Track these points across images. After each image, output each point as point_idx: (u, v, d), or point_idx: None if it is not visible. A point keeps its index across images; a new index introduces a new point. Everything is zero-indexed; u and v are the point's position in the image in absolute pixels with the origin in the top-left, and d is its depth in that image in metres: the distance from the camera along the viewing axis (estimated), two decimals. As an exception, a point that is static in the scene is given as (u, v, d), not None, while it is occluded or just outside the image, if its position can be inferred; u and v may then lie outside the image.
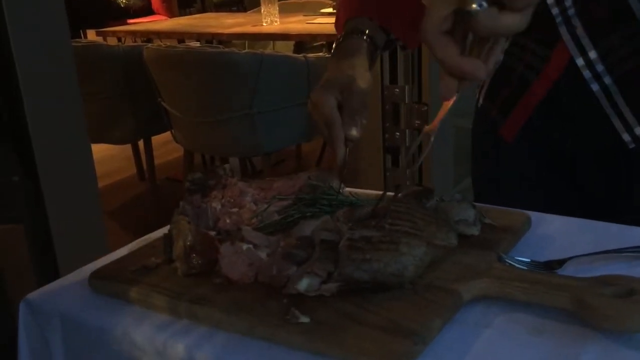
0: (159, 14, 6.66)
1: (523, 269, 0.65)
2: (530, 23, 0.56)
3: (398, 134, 2.22)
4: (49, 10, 1.62)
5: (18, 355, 0.72)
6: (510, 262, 0.66)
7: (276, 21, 3.48)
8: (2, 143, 1.60)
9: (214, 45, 3.36)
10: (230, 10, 6.23)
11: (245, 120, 2.64)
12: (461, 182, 2.40)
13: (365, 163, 2.31)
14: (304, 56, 2.76)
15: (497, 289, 0.61)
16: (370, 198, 0.80)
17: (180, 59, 2.68)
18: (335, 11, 1.00)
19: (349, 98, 0.81)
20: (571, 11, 0.82)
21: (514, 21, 0.55)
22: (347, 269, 0.61)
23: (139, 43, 3.63)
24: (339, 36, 0.91)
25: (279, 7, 3.54)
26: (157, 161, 3.38)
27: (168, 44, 3.27)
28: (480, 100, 1.01)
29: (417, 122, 2.18)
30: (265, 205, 0.75)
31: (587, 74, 0.83)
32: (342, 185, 0.81)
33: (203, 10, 6.61)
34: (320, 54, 3.10)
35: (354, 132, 0.80)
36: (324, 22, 3.34)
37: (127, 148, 3.57)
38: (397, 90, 2.19)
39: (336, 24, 0.96)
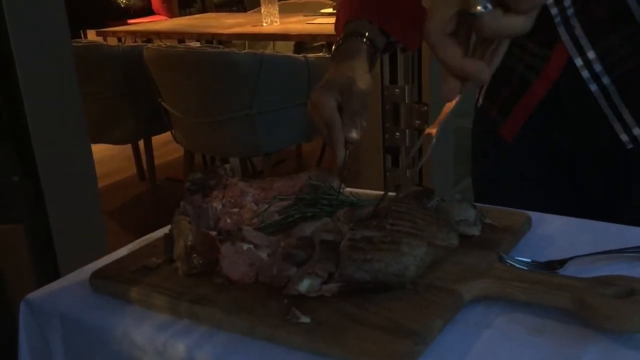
0: (159, 14, 6.66)
1: (524, 269, 0.65)
2: None
3: (398, 134, 2.22)
4: (49, 10, 1.62)
5: (18, 355, 0.72)
6: (510, 262, 0.66)
7: (276, 21, 3.48)
8: (2, 143, 1.60)
9: (214, 45, 3.36)
10: (231, 11, 6.23)
11: (245, 120, 2.64)
12: (461, 182, 2.39)
13: (366, 163, 2.31)
14: (304, 56, 2.76)
15: (498, 289, 0.61)
16: (371, 198, 0.80)
17: (180, 59, 2.68)
18: (335, 12, 1.00)
19: (349, 100, 0.81)
20: (570, 11, 0.82)
21: (519, 23, 0.55)
22: (348, 269, 0.61)
23: (139, 43, 3.63)
24: (338, 38, 0.91)
25: (279, 7, 3.54)
26: (157, 161, 3.38)
27: (168, 44, 3.27)
28: (480, 100, 1.01)
29: (417, 122, 2.18)
30: (266, 206, 0.75)
31: (585, 74, 0.83)
32: (343, 186, 0.81)
33: (203, 10, 6.62)
34: (321, 54, 3.10)
35: (354, 134, 0.80)
36: (324, 22, 3.35)
37: (127, 148, 3.57)
38: (397, 90, 2.19)
39: (336, 25, 0.96)
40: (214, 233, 0.71)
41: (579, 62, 0.83)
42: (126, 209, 3.37)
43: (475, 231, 0.71)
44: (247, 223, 0.74)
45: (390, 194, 0.71)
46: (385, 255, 0.61)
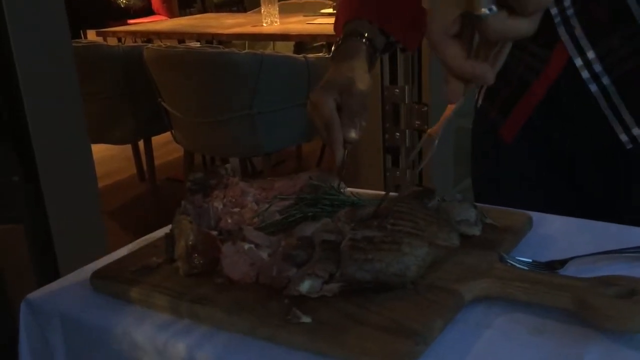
0: (159, 14, 6.66)
1: (524, 269, 0.65)
2: None
3: (398, 134, 2.22)
4: (49, 10, 1.62)
5: (19, 354, 0.72)
6: (511, 262, 0.66)
7: (276, 21, 3.49)
8: (2, 143, 1.60)
9: (214, 45, 3.36)
10: (231, 11, 6.23)
11: (245, 120, 2.64)
12: (461, 182, 2.40)
13: (366, 163, 2.31)
14: (304, 56, 2.76)
15: (499, 289, 0.61)
16: (372, 198, 0.80)
17: (180, 60, 2.68)
18: (335, 12, 1.00)
19: (348, 100, 0.81)
20: (570, 11, 0.82)
21: (523, 25, 0.55)
22: (349, 269, 0.61)
23: (139, 43, 3.63)
24: (338, 39, 0.91)
25: (279, 7, 3.54)
26: (157, 161, 3.38)
27: (168, 44, 3.27)
28: (480, 101, 1.01)
29: (417, 122, 2.18)
30: (267, 205, 0.75)
31: (585, 74, 0.83)
32: (344, 185, 0.81)
33: (203, 10, 6.61)
34: (321, 54, 3.10)
35: (353, 134, 0.80)
36: (324, 22, 3.34)
37: (127, 148, 3.57)
38: (397, 90, 2.19)
39: (335, 25, 0.96)
40: (215, 233, 0.71)
41: (578, 62, 0.83)
42: (126, 209, 3.37)
43: (476, 231, 0.71)
44: (248, 223, 0.74)
45: (392, 194, 0.71)
46: (386, 255, 0.61)
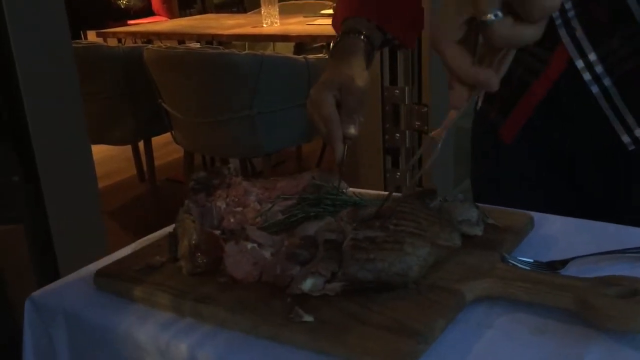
0: (159, 15, 6.66)
1: (526, 269, 0.65)
2: None
3: (398, 135, 2.22)
4: (49, 10, 1.62)
5: (23, 351, 0.72)
6: (513, 262, 0.66)
7: (276, 22, 3.49)
8: (2, 143, 1.60)
9: (214, 46, 3.36)
10: (231, 12, 6.23)
11: (245, 121, 2.65)
12: (461, 182, 2.40)
13: (366, 164, 2.31)
14: (304, 57, 2.76)
15: (500, 289, 0.61)
16: (374, 198, 0.80)
17: (180, 60, 2.68)
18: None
19: (347, 97, 0.83)
20: (571, 13, 0.82)
21: (529, 32, 0.55)
22: (351, 268, 0.61)
23: (139, 44, 3.63)
24: (336, 36, 0.92)
25: (279, 8, 3.55)
26: (157, 162, 3.38)
27: (168, 45, 3.27)
28: (480, 102, 1.02)
29: (417, 123, 2.18)
30: (270, 205, 0.76)
31: (586, 76, 0.84)
32: (346, 185, 0.82)
33: (203, 11, 6.62)
34: (321, 55, 3.10)
35: (352, 130, 0.82)
36: (324, 23, 3.35)
37: (127, 149, 3.57)
38: (397, 91, 2.19)
39: (333, 22, 0.97)
40: (217, 232, 0.71)
41: (580, 64, 0.84)
42: (126, 210, 3.37)
43: (478, 231, 0.71)
44: (251, 222, 0.74)
45: (395, 194, 0.72)
46: (388, 255, 0.61)
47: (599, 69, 0.83)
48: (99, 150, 2.68)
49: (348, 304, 0.60)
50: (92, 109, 2.81)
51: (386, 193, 0.78)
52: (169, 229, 0.77)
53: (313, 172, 0.83)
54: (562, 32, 0.84)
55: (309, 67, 2.67)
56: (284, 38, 3.40)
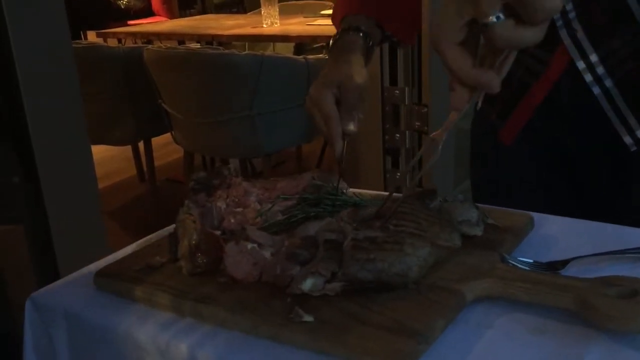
0: (159, 15, 6.66)
1: (526, 270, 0.65)
2: None
3: (398, 135, 2.22)
4: (49, 10, 1.62)
5: (23, 351, 0.72)
6: (513, 262, 0.66)
7: (276, 23, 3.49)
8: (2, 143, 1.60)
9: (214, 46, 3.36)
10: (231, 12, 6.23)
11: (245, 121, 2.65)
12: (461, 183, 2.40)
13: (365, 164, 2.31)
14: (304, 58, 2.76)
15: (500, 289, 0.61)
16: (374, 198, 0.80)
17: (180, 61, 2.68)
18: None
19: (346, 94, 0.83)
20: (572, 14, 0.82)
21: (530, 34, 0.55)
22: (351, 268, 0.61)
23: (139, 44, 3.63)
24: (336, 33, 0.92)
25: (279, 8, 3.55)
26: (157, 162, 3.38)
27: (168, 45, 3.27)
28: (479, 104, 1.02)
29: (417, 123, 2.17)
30: (270, 205, 0.76)
31: (588, 77, 0.84)
32: (346, 186, 0.82)
33: (203, 11, 6.61)
34: (321, 55, 3.10)
35: (351, 127, 0.82)
36: (324, 23, 3.35)
37: (127, 149, 3.57)
38: (397, 91, 2.19)
39: (333, 18, 0.97)
40: (218, 232, 0.72)
41: (581, 65, 0.84)
42: (126, 210, 3.37)
43: (478, 231, 0.71)
44: (251, 222, 0.74)
45: (395, 194, 0.72)
46: (388, 256, 0.61)
47: (600, 70, 0.83)
48: (99, 151, 2.68)
49: (348, 304, 0.60)
50: (92, 109, 2.81)
51: (386, 193, 0.78)
52: (169, 229, 0.77)
53: (313, 172, 0.83)
54: (563, 33, 0.84)
55: (309, 68, 2.67)
56: (284, 38, 3.40)
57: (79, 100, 1.73)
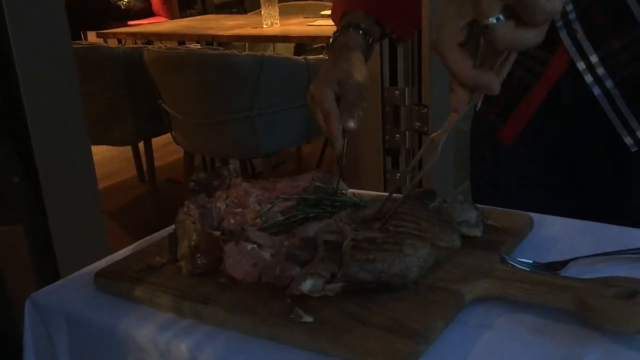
0: (159, 15, 6.66)
1: (525, 270, 0.65)
2: None
3: (398, 136, 2.22)
4: (49, 11, 1.62)
5: (23, 351, 0.72)
6: (512, 263, 0.66)
7: (276, 23, 3.49)
8: (2, 143, 1.60)
9: (214, 47, 3.36)
10: (231, 12, 6.23)
11: (245, 121, 2.65)
12: (462, 184, 2.40)
13: (365, 165, 2.31)
14: (304, 58, 2.76)
15: (500, 289, 0.61)
16: (373, 199, 0.80)
17: (180, 61, 2.68)
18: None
19: (346, 91, 0.83)
20: (572, 15, 0.82)
21: (530, 36, 0.55)
22: (351, 269, 0.61)
23: (140, 45, 3.63)
24: (335, 30, 0.92)
25: (279, 9, 3.55)
26: (157, 163, 3.38)
27: (168, 45, 3.27)
28: (479, 104, 1.02)
29: (417, 124, 2.18)
30: (269, 206, 0.76)
31: (588, 78, 0.84)
32: (346, 186, 0.82)
33: (203, 12, 6.61)
34: (321, 55, 3.11)
35: (352, 124, 0.83)
36: (324, 24, 3.35)
37: (127, 150, 3.57)
38: (397, 92, 2.19)
39: (333, 14, 0.98)
40: (217, 233, 0.72)
41: (581, 66, 0.84)
42: (126, 211, 3.37)
43: (477, 232, 0.71)
44: (251, 223, 0.74)
45: (395, 195, 0.72)
46: (388, 256, 0.61)
47: (600, 70, 0.83)
48: (99, 151, 2.68)
49: (348, 305, 0.60)
50: (92, 110, 2.81)
51: (386, 194, 0.78)
52: (169, 229, 0.77)
53: (313, 173, 0.83)
54: (563, 34, 0.84)
55: (309, 68, 2.67)
56: (284, 39, 3.40)
57: (79, 100, 1.73)
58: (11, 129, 1.60)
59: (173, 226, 0.74)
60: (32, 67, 1.57)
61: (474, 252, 0.68)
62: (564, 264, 0.67)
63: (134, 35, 4.02)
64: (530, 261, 0.67)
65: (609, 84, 0.83)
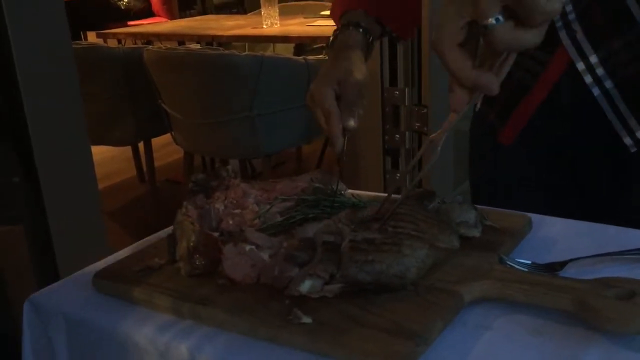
0: (159, 16, 6.66)
1: (524, 271, 0.65)
2: None
3: (398, 136, 2.22)
4: (49, 10, 1.62)
5: (22, 353, 0.72)
6: (511, 264, 0.66)
7: (276, 23, 3.49)
8: (2, 143, 1.60)
9: (214, 47, 3.37)
10: (231, 13, 6.23)
11: (245, 122, 2.65)
12: (461, 184, 2.40)
13: (365, 165, 2.31)
14: (304, 58, 2.76)
15: (498, 290, 0.61)
16: (372, 200, 0.80)
17: (180, 61, 2.68)
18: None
19: (346, 90, 0.84)
20: (571, 16, 0.82)
21: (530, 36, 0.55)
22: (349, 270, 0.61)
23: (139, 45, 3.63)
24: (335, 29, 0.92)
25: (279, 9, 3.55)
26: (157, 163, 3.38)
27: (168, 46, 3.27)
28: (478, 104, 1.02)
29: (417, 124, 2.18)
30: (268, 207, 0.76)
31: (588, 78, 0.84)
32: (345, 187, 0.82)
33: (203, 12, 6.61)
34: (321, 56, 3.11)
35: (352, 123, 0.83)
36: (324, 24, 3.35)
37: (127, 150, 3.57)
38: (397, 92, 2.19)
39: (332, 13, 0.98)
40: (216, 234, 0.71)
41: (581, 66, 0.84)
42: (126, 211, 3.37)
43: (476, 233, 0.71)
44: (249, 224, 0.74)
45: (394, 196, 0.72)
46: (386, 257, 0.61)
47: (600, 71, 0.83)
48: (99, 151, 2.68)
49: (347, 306, 0.60)
50: (92, 110, 2.81)
51: (384, 194, 0.78)
52: (168, 230, 0.77)
53: (312, 173, 0.83)
54: (563, 35, 0.84)
55: (309, 68, 2.67)
56: (284, 39, 3.40)
57: (79, 100, 1.73)
58: (11, 129, 1.60)
59: (171, 227, 0.74)
60: (32, 67, 1.57)
61: (472, 252, 0.68)
62: (563, 264, 0.67)
63: (133, 35, 4.02)
64: (529, 262, 0.67)
65: (608, 84, 0.83)
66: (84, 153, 1.78)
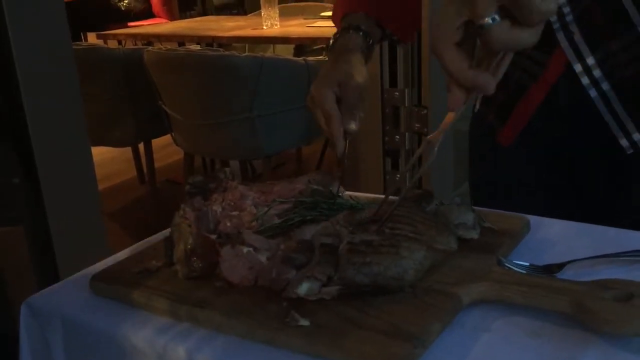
0: (159, 17, 6.66)
1: (522, 273, 0.65)
2: None
3: (398, 137, 2.22)
4: (49, 11, 1.62)
5: (19, 355, 0.72)
6: (509, 265, 0.66)
7: (276, 24, 3.49)
8: (2, 143, 1.60)
9: (214, 48, 3.37)
10: (231, 14, 6.24)
11: (245, 123, 2.65)
12: (461, 185, 2.40)
13: (365, 166, 2.31)
14: (304, 59, 2.76)
15: (496, 292, 0.61)
16: (370, 201, 0.80)
17: (180, 62, 2.68)
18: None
19: (347, 92, 0.84)
20: (569, 17, 0.82)
21: (526, 36, 0.55)
22: (347, 272, 0.61)
23: (140, 46, 3.63)
24: (336, 32, 0.92)
25: (279, 10, 3.55)
26: (157, 164, 3.38)
27: (168, 47, 3.27)
28: (477, 105, 1.02)
29: (416, 125, 2.18)
30: (266, 209, 0.76)
31: (585, 80, 0.84)
32: (342, 189, 0.82)
33: (203, 13, 6.61)
34: (320, 57, 3.11)
35: (353, 126, 0.83)
36: (324, 25, 3.35)
37: (127, 151, 3.57)
38: (397, 93, 2.19)
39: (333, 16, 0.98)
40: (213, 236, 0.71)
41: (578, 68, 0.84)
42: (126, 212, 3.37)
43: (474, 235, 0.71)
44: (247, 226, 0.74)
45: (392, 197, 0.72)
46: (384, 259, 0.61)
47: (597, 73, 0.83)
48: (99, 152, 2.68)
49: (344, 308, 0.60)
50: (92, 111, 2.82)
51: (382, 196, 0.78)
52: (166, 232, 0.77)
53: (311, 175, 0.83)
54: (560, 36, 0.84)
55: (309, 69, 2.67)
56: (284, 40, 3.40)
57: (79, 100, 1.73)
58: (11, 129, 1.60)
59: (169, 229, 0.74)
60: (32, 67, 1.57)
61: (470, 254, 0.67)
62: (561, 266, 0.67)
63: (134, 36, 4.02)
64: (527, 264, 0.67)
65: (605, 86, 0.83)
66: (84, 154, 1.78)
